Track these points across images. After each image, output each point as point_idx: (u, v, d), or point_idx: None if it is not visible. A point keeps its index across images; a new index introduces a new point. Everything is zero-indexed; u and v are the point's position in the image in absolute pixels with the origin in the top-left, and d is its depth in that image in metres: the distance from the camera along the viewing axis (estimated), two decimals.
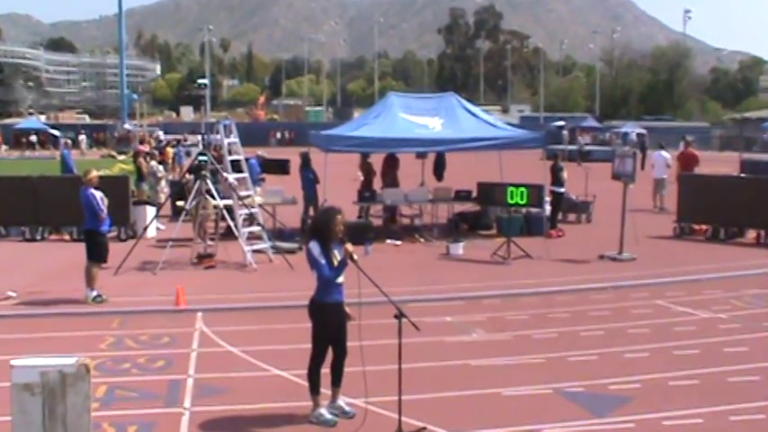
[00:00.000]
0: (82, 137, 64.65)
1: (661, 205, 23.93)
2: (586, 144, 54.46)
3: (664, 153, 25.05)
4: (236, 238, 15.46)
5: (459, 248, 16.49)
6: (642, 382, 8.37)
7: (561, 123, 65.50)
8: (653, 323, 10.98)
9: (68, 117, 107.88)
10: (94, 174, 12.43)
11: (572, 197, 21.67)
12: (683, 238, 18.70)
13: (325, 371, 7.31)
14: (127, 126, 71.62)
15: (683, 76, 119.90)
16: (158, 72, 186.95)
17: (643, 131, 59.04)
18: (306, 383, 7.37)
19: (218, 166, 16.12)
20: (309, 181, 18.97)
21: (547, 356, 9.39)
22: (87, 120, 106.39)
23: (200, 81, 17.82)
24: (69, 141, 42.26)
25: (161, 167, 22.87)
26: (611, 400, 7.88)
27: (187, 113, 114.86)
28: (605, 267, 15.09)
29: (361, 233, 16.61)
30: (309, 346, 7.28)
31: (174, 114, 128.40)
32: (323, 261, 7.00)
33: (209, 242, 16.41)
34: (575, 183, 22.37)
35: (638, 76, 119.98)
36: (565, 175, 19.48)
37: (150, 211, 18.68)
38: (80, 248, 12.88)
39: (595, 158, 44.55)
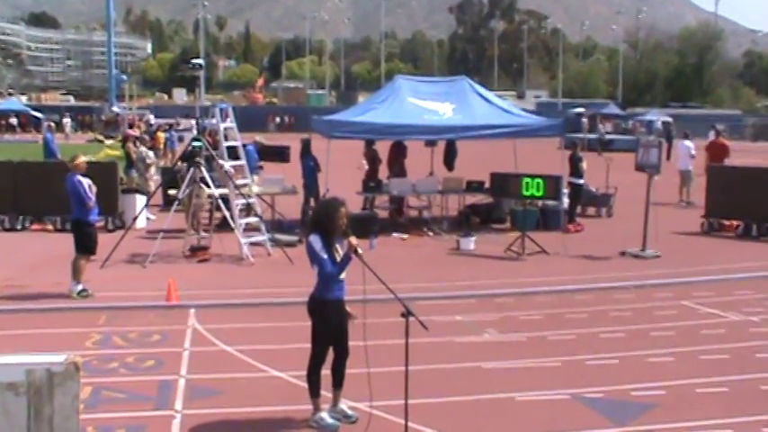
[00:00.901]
0: (66, 120, 64.79)
1: (688, 199, 23.89)
2: (608, 132, 54.35)
3: (687, 143, 24.99)
4: (231, 229, 15.48)
5: (470, 243, 16.50)
6: (667, 389, 8.38)
7: (581, 110, 65.44)
8: (678, 325, 10.97)
9: (52, 98, 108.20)
10: (82, 159, 12.47)
11: (592, 189, 21.65)
12: (711, 234, 18.66)
13: (326, 372, 7.34)
14: (115, 109, 71.79)
15: (714, 60, 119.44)
16: (149, 51, 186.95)
17: (669, 119, 58.86)
18: (305, 385, 7.39)
19: (214, 153, 16.14)
20: (311, 169, 18.97)
21: (564, 359, 9.40)
22: (72, 101, 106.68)
23: (194, 61, 17.68)
24: (53, 124, 42.37)
25: (152, 153, 22.89)
26: (633, 407, 7.89)
27: (180, 96, 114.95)
28: (627, 265, 15.08)
29: (366, 226, 16.62)
30: (309, 345, 7.31)
31: (165, 97, 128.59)
32: (324, 256, 7.01)
33: (203, 234, 16.45)
34: (595, 174, 22.33)
35: (665, 59, 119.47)
36: (584, 165, 19.46)
37: (140, 200, 18.71)
38: (64, 239, 12.94)
39: (617, 148, 44.48)
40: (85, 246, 12.38)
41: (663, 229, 17.12)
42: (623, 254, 15.94)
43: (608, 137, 51.35)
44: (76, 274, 12.28)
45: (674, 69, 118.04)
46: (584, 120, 57.98)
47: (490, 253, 16.03)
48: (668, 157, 31.48)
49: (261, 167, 20.58)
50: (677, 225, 19.18)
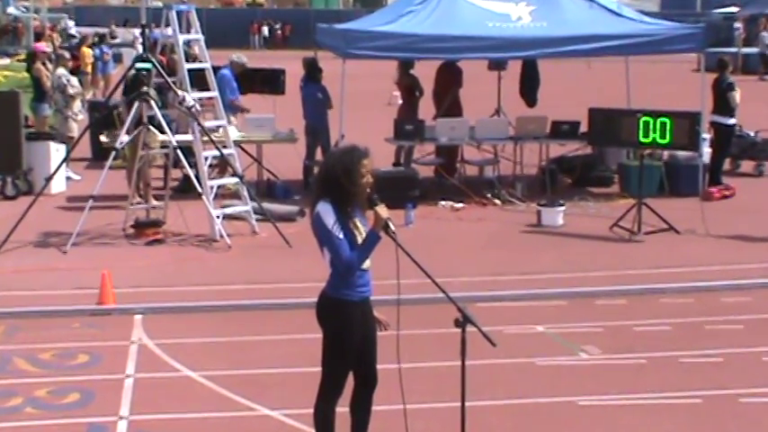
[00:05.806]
0: None
1: None
2: None
3: None
4: (197, 195, 15.55)
5: (557, 216, 16.49)
6: None
7: (733, 10, 64.64)
8: None
9: None
10: None
11: (748, 133, 21.49)
12: None
13: (344, 410, 7.40)
14: (12, 11, 71.85)
15: None
16: None
17: None
18: (311, 430, 7.46)
19: (169, 80, 16.18)
20: (317, 104, 18.98)
21: (705, 394, 9.39)
22: None
23: None
24: None
25: (74, 80, 22.94)
26: None
27: None
28: None
29: (400, 190, 16.66)
30: (318, 369, 7.35)
31: None
32: (341, 234, 7.04)
33: (154, 202, 16.53)
34: (754, 109, 22.18)
35: None
36: (737, 96, 19.30)
37: (56, 150, 18.81)
38: None
39: None
40: None
41: None
42: None
43: None
44: None
45: None
46: (739, 25, 57.31)
47: (588, 231, 16.03)
48: None
49: (242, 108, 20.58)
50: None
